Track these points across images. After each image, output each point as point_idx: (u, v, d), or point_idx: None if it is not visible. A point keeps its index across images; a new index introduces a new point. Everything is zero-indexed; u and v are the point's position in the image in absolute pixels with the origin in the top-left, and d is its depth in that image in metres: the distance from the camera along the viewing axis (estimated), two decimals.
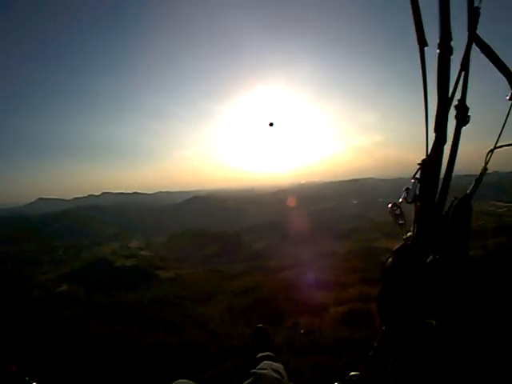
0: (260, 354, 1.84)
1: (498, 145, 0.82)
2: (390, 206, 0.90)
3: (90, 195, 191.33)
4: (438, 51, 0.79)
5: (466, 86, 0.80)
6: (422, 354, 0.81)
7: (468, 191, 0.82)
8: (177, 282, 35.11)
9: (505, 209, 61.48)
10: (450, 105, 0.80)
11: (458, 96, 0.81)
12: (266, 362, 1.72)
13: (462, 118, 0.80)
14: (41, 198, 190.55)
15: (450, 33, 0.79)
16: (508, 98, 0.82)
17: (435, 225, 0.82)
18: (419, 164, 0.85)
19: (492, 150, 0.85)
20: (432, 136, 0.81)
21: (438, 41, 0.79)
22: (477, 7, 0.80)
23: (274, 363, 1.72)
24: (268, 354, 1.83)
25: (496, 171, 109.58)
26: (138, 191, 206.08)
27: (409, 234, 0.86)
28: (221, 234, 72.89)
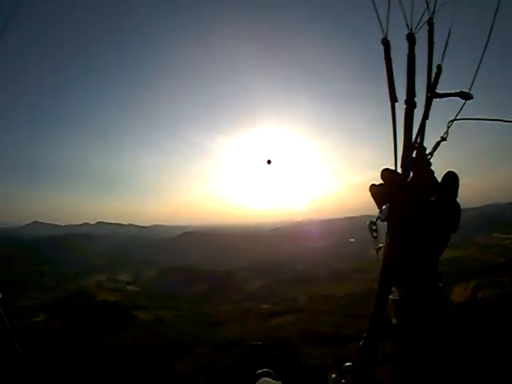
0: (259, 371, 1.85)
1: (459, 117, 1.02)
2: (368, 223, 1.06)
3: (84, 223, 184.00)
4: (404, 106, 1.02)
5: (424, 132, 1.02)
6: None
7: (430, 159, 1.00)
8: (155, 327, 34.03)
9: (509, 241, 57.75)
10: (414, 147, 1.01)
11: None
12: (264, 378, 1.75)
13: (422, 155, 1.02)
14: (36, 222, 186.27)
15: (414, 91, 1.01)
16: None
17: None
18: None
19: (452, 121, 1.03)
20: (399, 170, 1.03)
21: (405, 97, 1.02)
22: (439, 65, 1.03)
23: (272, 380, 1.75)
24: (266, 370, 1.85)
25: (496, 203, 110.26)
26: (134, 223, 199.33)
27: (380, 244, 1.06)
28: (212, 272, 70.44)
